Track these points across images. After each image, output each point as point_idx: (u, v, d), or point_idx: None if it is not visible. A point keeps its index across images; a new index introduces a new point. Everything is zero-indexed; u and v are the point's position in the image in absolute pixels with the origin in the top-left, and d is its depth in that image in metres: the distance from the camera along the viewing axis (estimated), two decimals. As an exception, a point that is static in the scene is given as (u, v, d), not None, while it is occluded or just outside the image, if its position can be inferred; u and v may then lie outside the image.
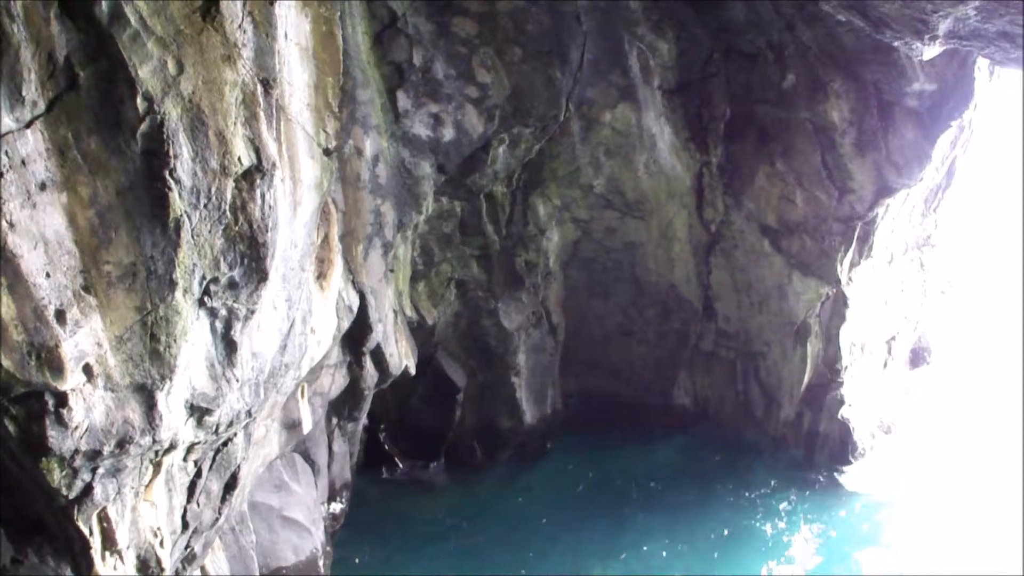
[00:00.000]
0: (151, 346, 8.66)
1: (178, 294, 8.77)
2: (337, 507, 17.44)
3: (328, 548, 16.08)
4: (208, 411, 9.68)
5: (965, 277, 26.28)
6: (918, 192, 20.06)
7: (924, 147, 17.97)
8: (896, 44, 12.91)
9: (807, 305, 19.87)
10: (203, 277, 9.05)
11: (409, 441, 20.34)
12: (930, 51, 12.66)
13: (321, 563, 15.30)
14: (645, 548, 18.11)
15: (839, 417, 20.37)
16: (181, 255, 8.68)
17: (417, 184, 15.54)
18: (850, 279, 19.65)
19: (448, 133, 15.81)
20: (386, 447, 20.29)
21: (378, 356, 15.88)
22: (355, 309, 14.23)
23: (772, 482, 20.53)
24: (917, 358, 24.62)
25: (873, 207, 18.68)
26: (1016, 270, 30.24)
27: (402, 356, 16.70)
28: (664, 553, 18.01)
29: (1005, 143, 27.70)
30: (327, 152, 11.42)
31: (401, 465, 20.29)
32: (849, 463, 20.36)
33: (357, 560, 17.22)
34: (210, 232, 8.95)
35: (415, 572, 17.08)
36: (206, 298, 9.24)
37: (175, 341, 8.87)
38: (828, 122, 18.09)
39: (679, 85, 18.85)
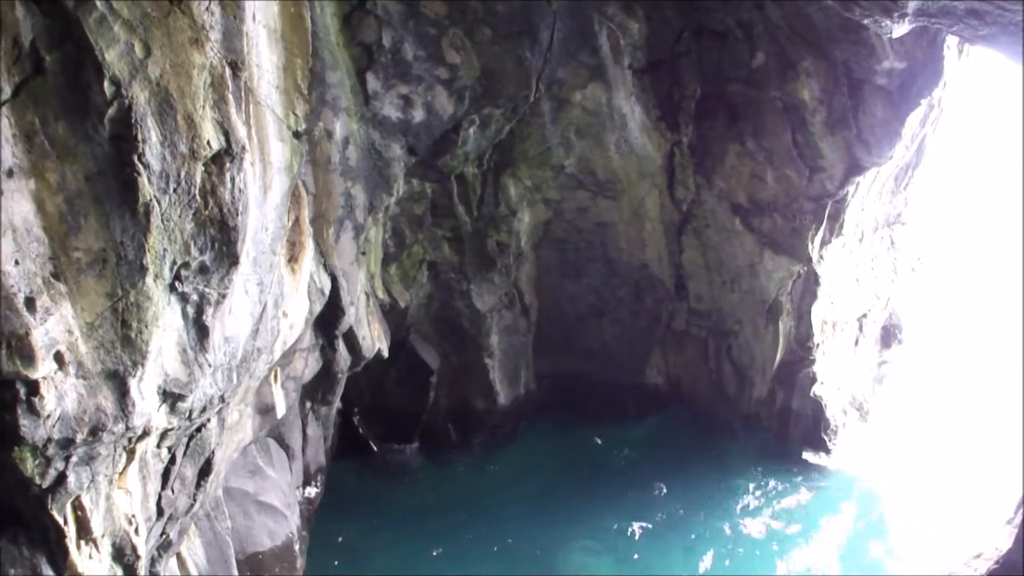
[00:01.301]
0: (122, 332, 8.58)
1: (149, 280, 8.69)
2: (312, 491, 17.41)
3: (304, 532, 16.06)
4: (181, 397, 9.62)
5: (935, 254, 26.47)
6: (888, 170, 20.16)
7: (894, 125, 18.05)
8: (865, 22, 12.89)
9: (778, 283, 19.97)
10: (174, 262, 8.96)
11: (383, 424, 20.31)
12: (899, 29, 12.65)
13: (297, 547, 15.28)
14: (618, 527, 18.24)
15: (811, 395, 20.50)
16: (151, 240, 8.59)
17: (388, 166, 15.46)
18: (821, 257, 19.75)
19: (418, 114, 15.74)
20: (360, 430, 20.27)
21: (351, 339, 15.82)
22: (327, 292, 14.17)
23: (746, 460, 20.71)
24: (888, 335, 24.82)
25: (843, 185, 18.76)
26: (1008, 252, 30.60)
27: (375, 339, 16.65)
28: (638, 533, 18.12)
29: (975, 121, 27.85)
30: (297, 135, 11.33)
31: (376, 448, 20.25)
32: (822, 440, 20.50)
33: (333, 543, 17.21)
34: (180, 217, 8.87)
35: (391, 554, 17.10)
36: (177, 283, 9.15)
37: (146, 327, 8.79)
38: (798, 101, 18.14)
39: (649, 64, 18.82)
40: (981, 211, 36.20)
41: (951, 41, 17.62)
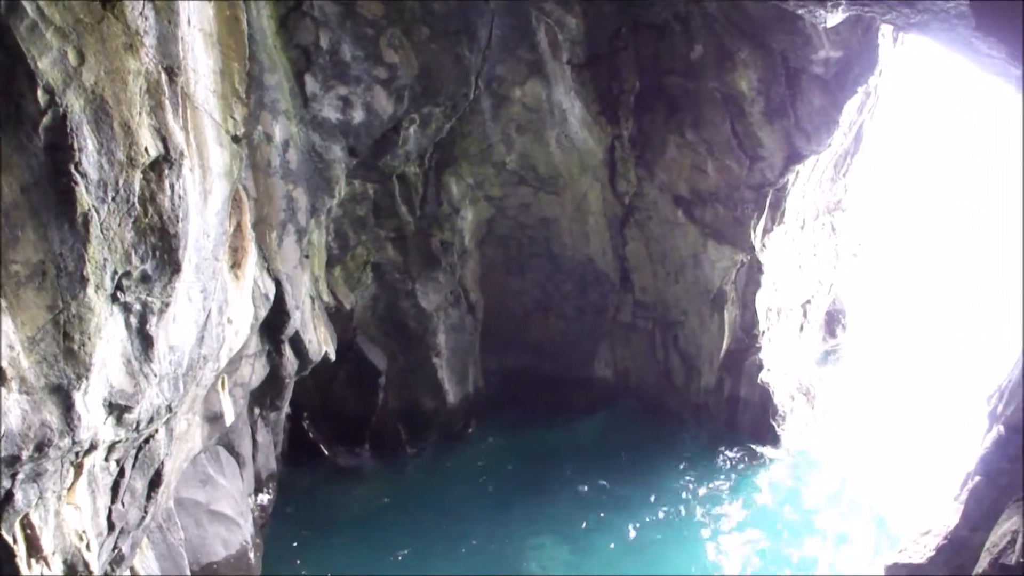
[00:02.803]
0: (65, 345, 8.42)
1: (90, 290, 8.54)
2: (265, 498, 17.24)
3: (258, 540, 15.91)
4: (127, 408, 9.47)
5: (876, 240, 26.94)
6: (827, 158, 20.47)
7: (832, 113, 18.33)
8: (800, 12, 13.07)
9: (722, 273, 20.18)
10: (115, 272, 8.82)
11: (333, 427, 20.17)
12: (833, 18, 12.83)
13: (252, 555, 15.12)
14: (571, 525, 18.27)
15: (759, 382, 20.74)
16: (91, 250, 8.44)
17: (329, 168, 15.38)
18: (764, 245, 19.99)
19: (358, 115, 15.67)
20: (311, 435, 20.10)
21: (297, 343, 15.72)
22: (271, 297, 14.05)
23: (696, 450, 20.90)
24: (832, 321, 25.25)
25: (784, 174, 19.01)
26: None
27: (321, 342, 16.55)
28: (591, 530, 18.17)
29: (911, 107, 28.38)
30: (236, 139, 11.24)
31: (327, 452, 20.11)
32: (770, 426, 20.75)
33: (289, 550, 17.07)
34: (119, 225, 8.72)
35: (346, 559, 16.98)
36: (119, 293, 9.00)
37: (89, 339, 8.64)
38: (737, 91, 18.34)
39: (588, 59, 18.93)
40: (921, 196, 36.87)
41: (886, 30, 17.93)
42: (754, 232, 19.62)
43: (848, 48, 17.73)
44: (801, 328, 22.95)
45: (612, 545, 17.66)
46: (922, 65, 25.48)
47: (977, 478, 12.12)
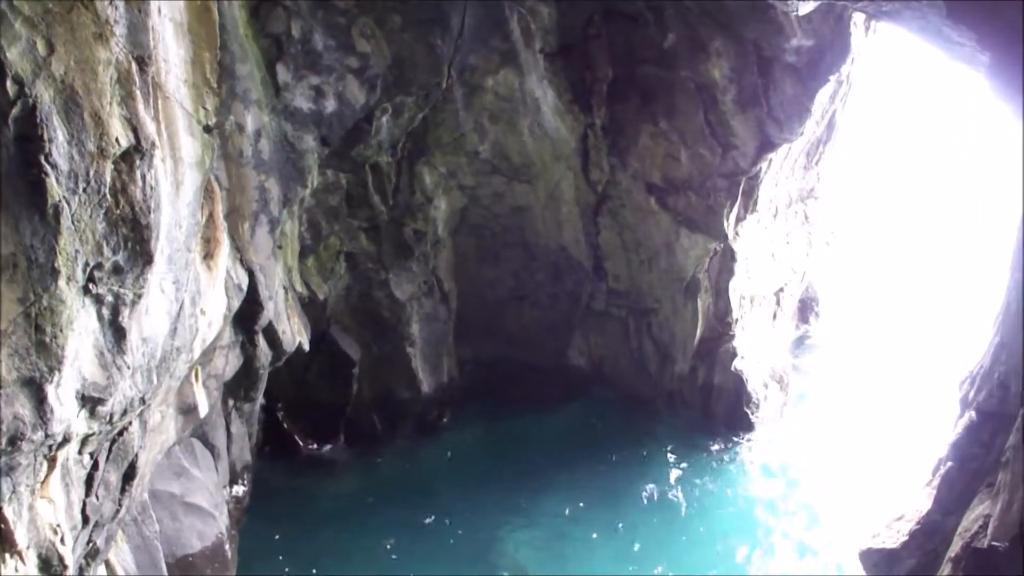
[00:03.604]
0: (37, 338, 8.35)
1: (61, 282, 8.46)
2: (240, 490, 17.18)
3: (233, 532, 15.88)
4: (101, 401, 9.40)
5: (849, 228, 27.12)
6: (800, 146, 20.57)
7: (804, 102, 18.43)
8: (772, 1, 13.14)
9: (696, 261, 20.25)
10: (86, 263, 8.74)
11: (308, 418, 20.12)
12: (805, 7, 12.94)
13: (227, 547, 15.08)
14: (552, 515, 18.36)
15: (732, 369, 20.84)
16: (62, 242, 8.36)
17: (301, 158, 15.31)
18: (737, 234, 20.07)
19: (330, 105, 15.61)
20: (285, 426, 20.05)
21: (271, 334, 15.66)
22: (244, 288, 13.99)
23: (670, 438, 21.02)
24: (806, 308, 25.39)
25: (756, 162, 19.09)
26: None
27: (295, 333, 16.50)
28: (572, 519, 18.25)
29: (884, 96, 28.58)
30: (207, 129, 11.13)
31: (302, 443, 20.06)
32: (744, 414, 20.89)
33: (263, 541, 17.00)
34: (91, 217, 8.64)
35: (324, 552, 16.97)
36: (91, 285, 8.92)
37: (61, 331, 8.57)
38: (710, 80, 18.39)
39: (561, 48, 18.91)
40: (893, 183, 37.13)
41: (858, 18, 18.03)
42: (727, 220, 19.70)
43: (820, 37, 17.81)
44: (774, 316, 23.07)
45: (595, 535, 17.75)
46: (894, 54, 25.62)
47: (949, 463, 12.25)
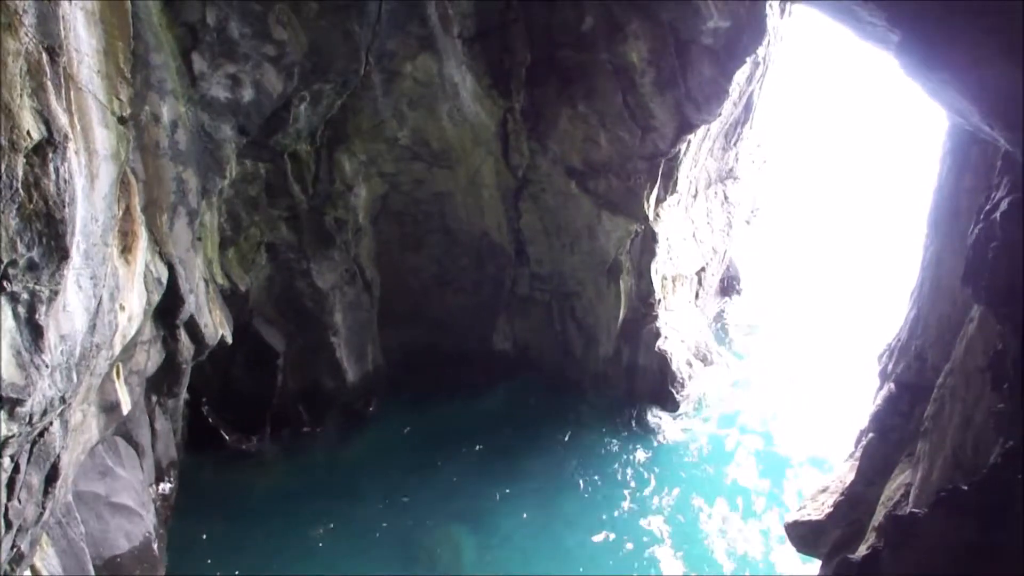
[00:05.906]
0: (-49, 339, 8.13)
1: (-25, 282, 8.25)
2: (166, 487, 16.94)
3: (161, 530, 15.64)
4: (19, 401, 9.18)
5: (768, 206, 27.52)
6: (718, 127, 20.82)
7: (721, 83, 18.65)
8: (687, -18, 13.25)
9: (617, 243, 20.40)
10: None
11: (233, 412, 19.86)
12: (721, -12, 13.04)
13: (156, 546, 14.86)
14: (480, 498, 18.47)
15: (656, 349, 21.07)
16: (-26, 240, 8.15)
17: (219, 148, 15.10)
18: (657, 215, 20.26)
19: (247, 94, 15.40)
20: (210, 420, 19.75)
21: (192, 328, 15.46)
22: (164, 281, 13.76)
23: (597, 418, 21.24)
24: (727, 287, 25.72)
25: (675, 143, 19.26)
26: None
27: (217, 325, 16.29)
28: (500, 503, 18.33)
29: (800, 76, 29.05)
30: (122, 120, 10.90)
31: (228, 437, 19.79)
32: (669, 393, 21.14)
33: (192, 539, 16.79)
34: (3, 212, 8.41)
35: (251, 545, 16.82)
36: (5, 283, 8.70)
37: (-24, 331, 8.35)
38: (628, 63, 18.50)
39: (479, 33, 18.85)
40: (812, 162, 37.79)
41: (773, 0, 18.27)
42: (647, 202, 19.87)
43: (737, 18, 18.03)
44: (696, 295, 23.38)
45: (524, 515, 17.86)
46: (810, 35, 26.07)
47: (870, 435, 12.50)
